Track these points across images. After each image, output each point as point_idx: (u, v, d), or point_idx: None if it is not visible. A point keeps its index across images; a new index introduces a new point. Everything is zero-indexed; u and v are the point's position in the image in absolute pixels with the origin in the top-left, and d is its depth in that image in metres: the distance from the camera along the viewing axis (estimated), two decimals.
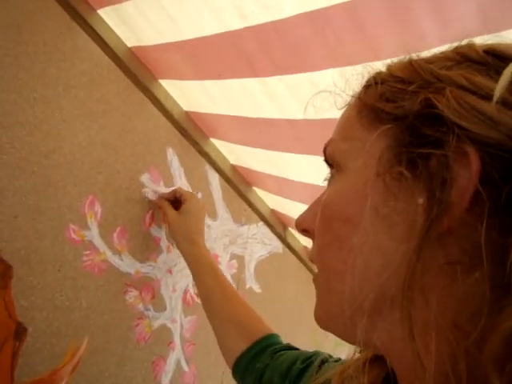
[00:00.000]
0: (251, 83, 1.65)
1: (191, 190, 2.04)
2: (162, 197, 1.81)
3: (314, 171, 2.09)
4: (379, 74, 0.68)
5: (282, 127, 1.86)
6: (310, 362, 1.17)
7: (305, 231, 0.79)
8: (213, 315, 1.56)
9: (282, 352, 1.31)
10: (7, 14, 1.36)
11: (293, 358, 1.23)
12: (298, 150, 1.99)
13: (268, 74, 1.56)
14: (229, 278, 2.30)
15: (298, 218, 0.81)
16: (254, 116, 1.86)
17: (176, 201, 1.83)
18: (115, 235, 1.63)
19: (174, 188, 1.88)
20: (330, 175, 0.76)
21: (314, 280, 0.74)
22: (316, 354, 1.21)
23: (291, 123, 1.80)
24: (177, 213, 1.75)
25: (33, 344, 1.35)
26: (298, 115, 1.73)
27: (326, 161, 0.75)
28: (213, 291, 1.59)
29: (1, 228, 1.30)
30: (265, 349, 1.36)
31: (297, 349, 1.35)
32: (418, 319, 0.56)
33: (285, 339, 1.45)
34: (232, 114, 1.93)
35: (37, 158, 1.40)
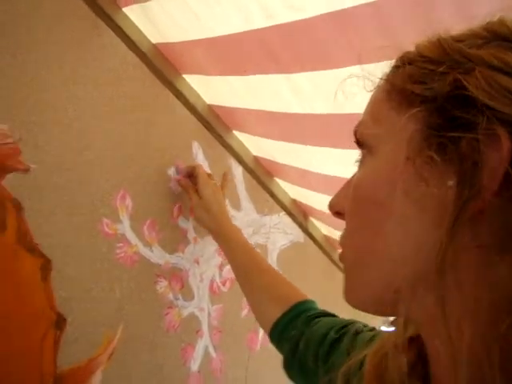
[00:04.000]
0: (276, 79, 1.69)
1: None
2: (183, 176, 1.84)
3: (335, 164, 2.13)
4: (408, 54, 0.66)
5: (305, 121, 1.90)
6: (344, 332, 1.16)
7: (338, 214, 0.78)
8: (248, 287, 1.58)
9: (317, 319, 1.29)
10: (37, 16, 1.41)
11: (327, 327, 1.21)
12: (320, 143, 2.02)
13: (292, 71, 1.60)
14: None
15: (331, 201, 0.81)
16: (278, 110, 1.90)
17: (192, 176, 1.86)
18: (145, 228, 1.69)
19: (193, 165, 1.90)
20: (360, 156, 0.74)
21: (341, 259, 0.75)
22: (351, 322, 1.20)
23: (314, 118, 1.83)
24: (198, 197, 1.78)
25: (72, 333, 1.41)
26: (322, 110, 1.76)
27: (357, 142, 0.74)
28: (246, 265, 1.62)
29: (39, 223, 1.35)
30: (300, 314, 1.35)
31: (333, 315, 1.33)
32: (452, 301, 0.56)
33: None
34: (256, 108, 1.97)
35: (71, 155, 1.45)
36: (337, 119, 1.70)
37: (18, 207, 1.31)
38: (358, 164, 0.76)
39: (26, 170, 1.35)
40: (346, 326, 1.19)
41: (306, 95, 1.75)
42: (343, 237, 0.75)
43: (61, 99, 1.45)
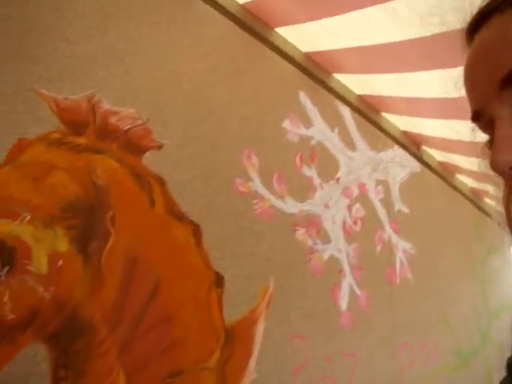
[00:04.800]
0: (372, 11, 1.64)
1: (327, 128, 2.08)
2: None
3: (442, 85, 2.04)
4: None
5: (407, 47, 1.83)
6: None
7: None
8: None
9: None
10: (138, 4, 1.45)
11: None
12: (426, 67, 1.95)
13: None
14: (378, 203, 2.33)
15: (503, 157, 0.68)
16: (378, 42, 1.84)
17: None
18: (274, 181, 1.73)
19: None
20: None
21: None
22: None
23: (415, 42, 1.76)
24: None
25: (231, 289, 1.49)
26: (422, 33, 1.69)
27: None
28: None
29: (182, 193, 1.42)
30: None
31: None
32: None
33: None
34: (355, 45, 1.92)
35: (195, 124, 1.51)
36: (443, 39, 1.63)
37: (161, 181, 1.39)
38: None
39: (160, 147, 1.42)
40: None
41: (405, 20, 1.68)
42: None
43: (174, 75, 1.50)
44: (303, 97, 2.00)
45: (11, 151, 1.19)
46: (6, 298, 1.08)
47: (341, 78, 2.26)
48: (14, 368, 1.09)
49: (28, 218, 1.14)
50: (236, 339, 1.48)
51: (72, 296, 1.17)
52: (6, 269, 1.09)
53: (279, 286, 1.66)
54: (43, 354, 1.13)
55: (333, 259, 1.95)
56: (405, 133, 2.74)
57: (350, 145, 2.23)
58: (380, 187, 2.39)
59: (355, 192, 2.16)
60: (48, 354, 1.14)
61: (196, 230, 1.42)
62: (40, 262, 1.14)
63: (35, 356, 1.12)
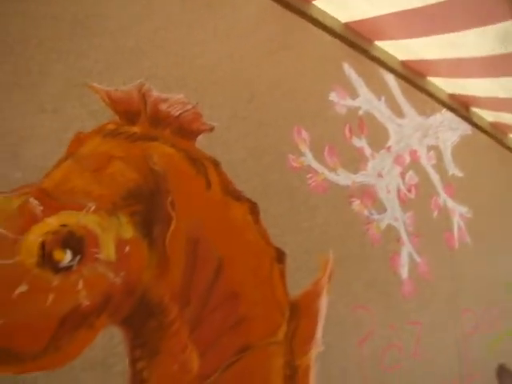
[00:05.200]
0: None
1: (373, 97, 2.05)
2: None
3: (488, 42, 1.97)
4: None
5: (446, 8, 1.77)
6: None
7: None
8: None
9: None
10: None
11: None
12: (471, 25, 1.89)
13: None
14: (430, 169, 2.29)
15: None
16: (419, 5, 1.79)
17: None
18: (326, 155, 1.72)
19: None
20: None
21: None
22: None
23: (456, 1, 1.70)
24: None
25: (292, 264, 1.49)
26: None
27: None
28: None
29: (236, 172, 1.43)
30: None
31: None
32: None
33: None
34: (394, 10, 1.87)
35: (243, 104, 1.51)
36: None
37: (215, 163, 1.40)
38: None
39: (211, 129, 1.43)
40: None
41: None
42: None
43: (218, 58, 1.50)
44: (347, 68, 1.97)
45: (71, 145, 1.22)
46: (80, 286, 1.12)
47: (383, 45, 2.22)
48: (94, 351, 1.13)
49: (92, 208, 1.18)
50: (301, 313, 1.49)
51: (141, 279, 1.20)
52: (77, 258, 1.13)
53: (339, 258, 1.66)
54: (119, 337, 1.17)
55: (390, 228, 1.93)
56: (452, 95, 2.66)
57: (398, 112, 2.19)
58: (432, 153, 2.34)
59: (407, 159, 2.13)
60: (123, 336, 1.18)
61: (253, 208, 1.43)
62: (108, 250, 1.17)
63: (112, 339, 1.16)
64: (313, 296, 1.53)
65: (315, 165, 1.65)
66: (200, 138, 1.40)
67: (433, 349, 2.09)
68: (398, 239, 1.96)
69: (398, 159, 1.97)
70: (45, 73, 1.25)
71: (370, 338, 1.76)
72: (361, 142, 1.89)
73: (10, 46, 1.22)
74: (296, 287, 1.49)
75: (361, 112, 1.95)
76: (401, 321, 1.93)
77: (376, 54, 2.17)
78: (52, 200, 1.15)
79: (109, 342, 1.16)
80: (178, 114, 1.38)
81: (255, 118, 1.53)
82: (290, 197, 1.55)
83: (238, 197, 1.42)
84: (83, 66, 1.30)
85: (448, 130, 2.54)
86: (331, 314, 1.59)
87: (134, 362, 1.18)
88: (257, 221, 1.44)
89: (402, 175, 2.08)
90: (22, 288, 1.07)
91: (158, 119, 1.35)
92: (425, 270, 2.07)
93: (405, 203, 2.05)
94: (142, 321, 1.20)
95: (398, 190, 2.03)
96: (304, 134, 1.65)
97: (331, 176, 1.70)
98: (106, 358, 1.15)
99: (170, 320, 1.23)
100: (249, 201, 1.43)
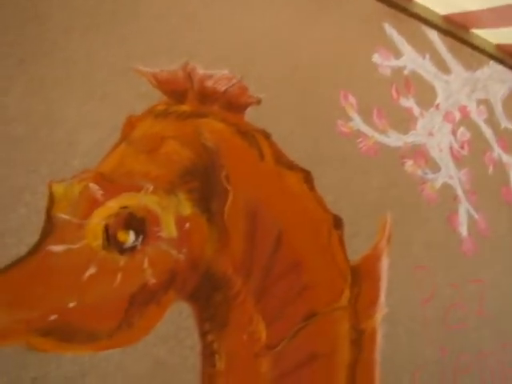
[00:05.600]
0: None
1: (417, 55, 1.99)
2: None
3: None
4: None
5: None
6: None
7: None
8: None
9: None
10: None
11: None
12: None
13: None
14: (482, 123, 2.21)
15: None
16: None
17: None
18: (375, 117, 1.68)
19: None
20: None
21: None
22: None
23: None
24: None
25: (350, 229, 1.48)
26: None
27: None
28: None
29: (287, 143, 1.42)
30: None
31: None
32: None
33: None
34: None
35: (287, 74, 1.50)
36: None
37: (266, 135, 1.39)
38: None
39: (259, 102, 1.42)
40: None
41: None
42: None
43: (258, 30, 1.48)
44: (388, 28, 1.91)
45: (123, 129, 1.23)
46: (145, 265, 1.14)
47: (422, 1, 2.14)
48: (165, 326, 1.16)
49: (151, 188, 1.19)
50: (363, 277, 1.48)
51: (203, 254, 1.22)
52: (141, 238, 1.15)
53: (396, 220, 1.63)
54: (187, 311, 1.19)
55: (445, 186, 1.89)
56: (499, 46, 2.55)
57: (444, 68, 2.12)
58: (482, 107, 2.26)
59: (457, 116, 2.06)
60: (192, 310, 1.20)
61: (307, 177, 1.42)
62: (169, 227, 1.19)
63: (181, 313, 1.18)
64: (373, 260, 1.51)
65: (365, 128, 1.62)
66: (248, 111, 1.39)
67: (497, 306, 2.05)
68: (455, 197, 1.91)
69: (447, 116, 1.91)
70: (91, 61, 1.27)
71: (434, 298, 1.73)
72: (409, 102, 1.84)
73: (54, 41, 1.23)
74: (356, 252, 1.48)
75: (406, 71, 1.90)
76: (463, 279, 1.89)
77: (416, 10, 2.09)
78: (111, 184, 1.17)
79: (178, 317, 1.18)
80: (224, 89, 1.38)
81: (301, 87, 1.51)
82: (342, 162, 1.53)
83: (291, 166, 1.41)
84: (127, 51, 1.31)
85: (497, 82, 2.44)
86: (393, 276, 1.58)
87: (203, 334, 1.20)
88: (312, 189, 1.43)
89: (454, 132, 2.01)
90: (91, 270, 1.10)
91: (206, 96, 1.35)
92: (484, 226, 2.01)
93: (458, 160, 1.99)
94: (207, 294, 1.21)
95: (451, 148, 1.97)
96: (351, 98, 1.62)
97: (382, 138, 1.66)
98: (176, 332, 1.17)
99: (234, 292, 1.24)
100: (302, 170, 1.42)
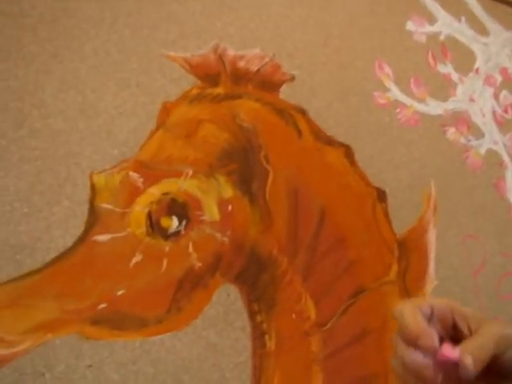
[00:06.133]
0: None
1: (453, 19, 1.90)
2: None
3: None
4: None
5: None
6: None
7: None
8: None
9: None
10: None
11: None
12: None
13: None
14: None
15: None
16: None
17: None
18: (412, 86, 1.62)
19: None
20: None
21: None
22: None
23: None
24: None
25: (394, 202, 1.43)
26: None
27: None
28: None
29: (324, 118, 1.39)
30: None
31: None
32: None
33: None
34: None
35: (319, 48, 1.46)
36: None
37: (302, 111, 1.36)
38: None
39: (293, 79, 1.39)
40: None
41: None
42: None
43: (286, 5, 1.45)
44: None
45: (159, 116, 1.23)
46: (190, 249, 1.13)
47: None
48: (213, 309, 1.14)
49: (190, 173, 1.18)
50: (410, 250, 1.43)
51: (248, 236, 1.20)
52: (184, 223, 1.14)
53: (441, 190, 1.57)
54: (235, 293, 1.18)
55: (490, 153, 1.81)
56: None
57: (482, 30, 2.03)
58: None
59: (498, 79, 1.97)
60: (239, 292, 1.18)
61: (347, 151, 1.38)
62: (211, 211, 1.17)
63: (228, 296, 1.17)
64: (420, 231, 1.46)
65: (403, 98, 1.56)
66: (283, 88, 1.36)
67: None
68: (501, 163, 1.83)
69: (488, 80, 1.82)
70: (122, 50, 1.26)
71: (485, 268, 1.67)
72: (447, 68, 1.76)
73: (85, 32, 1.23)
74: (402, 225, 1.43)
75: (442, 37, 1.82)
76: None
77: None
78: (150, 171, 1.16)
79: (226, 300, 1.17)
80: (257, 68, 1.35)
81: (334, 61, 1.46)
82: (382, 134, 1.48)
83: (329, 142, 1.37)
84: (157, 38, 1.29)
85: None
86: (441, 247, 1.52)
87: (252, 316, 1.19)
88: (353, 163, 1.39)
89: (496, 96, 1.93)
90: (137, 258, 1.10)
91: (239, 77, 1.32)
92: None
93: (502, 125, 1.91)
94: (254, 276, 1.20)
95: (494, 112, 1.89)
96: (386, 68, 1.56)
97: (421, 107, 1.60)
98: (225, 314, 1.16)
99: (281, 272, 1.22)
100: (341, 144, 1.38)
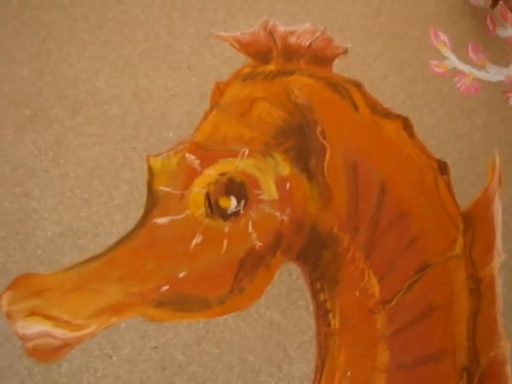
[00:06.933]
0: None
1: None
2: None
3: None
4: None
5: None
6: None
7: None
8: None
9: None
10: None
11: None
12: None
13: None
14: None
15: None
16: None
17: None
18: (470, 53, 1.52)
19: None
20: None
21: None
22: None
23: None
24: None
25: (457, 173, 1.35)
26: None
27: None
28: None
29: (380, 90, 1.32)
30: None
31: None
32: None
33: None
34: None
35: (371, 20, 1.39)
36: None
37: (357, 85, 1.29)
38: None
39: (345, 52, 1.32)
40: None
41: None
42: None
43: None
44: None
45: (213, 96, 1.19)
46: (250, 229, 1.10)
47: None
48: (276, 288, 1.11)
49: (247, 152, 1.14)
50: (475, 223, 1.35)
51: (307, 213, 1.15)
52: (242, 203, 1.10)
53: (506, 160, 1.47)
54: (297, 272, 1.14)
55: None
56: None
57: None
58: None
59: None
60: (301, 271, 1.14)
61: (405, 123, 1.31)
62: (270, 189, 1.13)
63: (291, 274, 1.13)
64: (485, 204, 1.37)
65: (461, 66, 1.46)
66: (336, 62, 1.30)
67: None
68: None
69: None
70: (172, 33, 1.23)
71: None
72: (507, 32, 1.65)
73: (135, 17, 1.21)
74: (465, 197, 1.35)
75: None
76: None
77: None
78: (206, 152, 1.13)
79: (288, 279, 1.13)
80: (308, 43, 1.29)
81: (387, 31, 1.38)
82: (441, 104, 1.40)
83: (387, 114, 1.30)
84: (206, 19, 1.26)
85: None
86: (508, 219, 1.43)
87: (315, 294, 1.15)
88: (412, 135, 1.31)
89: None
90: (198, 239, 1.07)
91: (290, 53, 1.27)
92: None
93: None
94: (316, 253, 1.15)
95: None
96: (442, 36, 1.47)
97: (481, 74, 1.50)
98: (288, 293, 1.12)
99: (343, 249, 1.17)
100: (399, 116, 1.31)
